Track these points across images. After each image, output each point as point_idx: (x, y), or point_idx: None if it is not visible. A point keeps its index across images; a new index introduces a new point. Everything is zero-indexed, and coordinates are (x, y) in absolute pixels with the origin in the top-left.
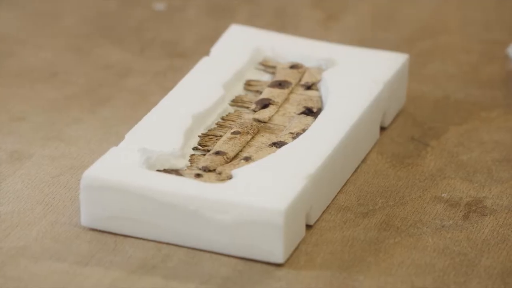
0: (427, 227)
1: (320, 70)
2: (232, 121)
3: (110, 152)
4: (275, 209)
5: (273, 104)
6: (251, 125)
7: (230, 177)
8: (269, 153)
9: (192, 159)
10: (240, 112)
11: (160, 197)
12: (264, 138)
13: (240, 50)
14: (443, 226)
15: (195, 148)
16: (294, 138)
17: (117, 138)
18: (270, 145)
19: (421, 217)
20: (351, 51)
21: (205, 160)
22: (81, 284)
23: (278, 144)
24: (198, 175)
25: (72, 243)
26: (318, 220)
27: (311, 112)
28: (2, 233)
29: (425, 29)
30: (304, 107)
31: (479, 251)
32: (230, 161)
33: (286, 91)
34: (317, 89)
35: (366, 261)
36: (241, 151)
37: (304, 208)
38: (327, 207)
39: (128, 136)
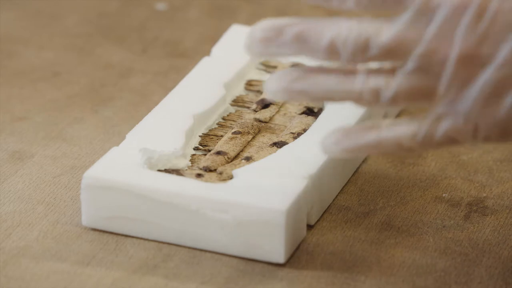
0: (428, 227)
1: None
2: (233, 121)
3: (111, 152)
4: (276, 209)
5: (274, 104)
6: (252, 125)
7: (231, 177)
8: (270, 153)
9: (193, 159)
10: (241, 112)
11: (161, 197)
12: (265, 138)
13: (241, 50)
14: (444, 226)
15: (196, 148)
16: (295, 138)
17: (119, 138)
18: (271, 145)
19: (422, 217)
20: None
21: (206, 160)
22: (82, 284)
23: (279, 144)
24: (199, 175)
25: (73, 243)
26: (319, 220)
27: (312, 112)
28: (4, 233)
29: None
30: (305, 107)
31: (480, 251)
32: (231, 161)
33: None
34: None
35: (367, 261)
36: (242, 151)
37: (305, 208)
38: (328, 207)
39: (129, 136)
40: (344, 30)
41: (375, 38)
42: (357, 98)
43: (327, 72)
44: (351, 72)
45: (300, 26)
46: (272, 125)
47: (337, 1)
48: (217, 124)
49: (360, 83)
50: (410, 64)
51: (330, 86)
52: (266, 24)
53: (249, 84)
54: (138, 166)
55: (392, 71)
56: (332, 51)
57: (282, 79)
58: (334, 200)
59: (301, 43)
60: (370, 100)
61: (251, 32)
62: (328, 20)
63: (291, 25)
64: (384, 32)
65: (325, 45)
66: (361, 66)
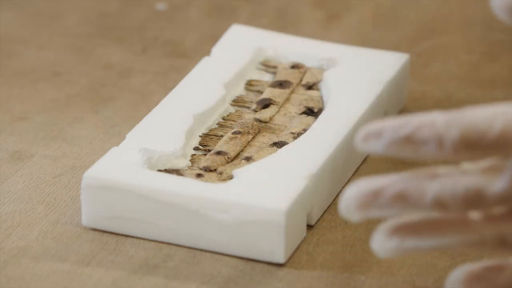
0: None
1: (321, 70)
2: (233, 121)
3: (111, 152)
4: (276, 209)
5: (274, 104)
6: (252, 125)
7: (231, 177)
8: (270, 153)
9: (193, 159)
10: (241, 112)
11: (161, 197)
12: (265, 138)
13: (241, 50)
14: None
15: (196, 148)
16: (295, 138)
17: (119, 138)
18: (271, 145)
19: None
20: (352, 51)
21: (206, 160)
22: (82, 284)
23: (279, 144)
24: (199, 175)
25: (73, 243)
26: (319, 220)
27: (312, 112)
28: (4, 233)
29: (427, 29)
30: (305, 107)
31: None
32: (231, 161)
33: (287, 91)
34: (318, 89)
35: (367, 261)
36: (242, 151)
37: (305, 208)
38: (328, 207)
39: (129, 136)
40: (449, 185)
41: (487, 188)
42: (479, 246)
43: (439, 226)
44: (464, 221)
45: (398, 186)
46: (272, 125)
47: (433, 148)
48: (217, 124)
49: (481, 231)
50: None
51: (446, 241)
52: (360, 189)
53: (249, 84)
54: (138, 166)
55: (509, 214)
56: (438, 205)
57: (389, 241)
58: (334, 200)
59: (403, 202)
60: (496, 247)
61: (346, 200)
62: (427, 174)
63: (388, 185)
64: (497, 180)
65: (430, 202)
66: (473, 213)
